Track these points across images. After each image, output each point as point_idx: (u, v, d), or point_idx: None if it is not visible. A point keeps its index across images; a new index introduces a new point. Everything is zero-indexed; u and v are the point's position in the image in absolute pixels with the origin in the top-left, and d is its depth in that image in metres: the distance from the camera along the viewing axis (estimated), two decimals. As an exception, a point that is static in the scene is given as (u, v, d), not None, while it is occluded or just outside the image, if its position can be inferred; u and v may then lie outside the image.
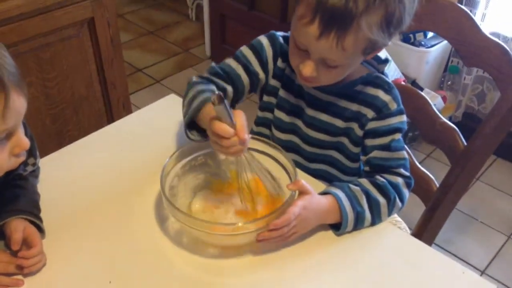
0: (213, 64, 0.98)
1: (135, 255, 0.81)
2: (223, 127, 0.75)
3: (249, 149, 0.89)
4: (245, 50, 0.97)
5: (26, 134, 0.72)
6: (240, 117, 0.77)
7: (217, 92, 0.74)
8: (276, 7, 2.30)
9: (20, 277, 0.76)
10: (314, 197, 0.81)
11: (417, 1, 0.81)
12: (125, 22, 2.99)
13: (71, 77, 1.60)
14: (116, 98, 1.78)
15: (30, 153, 0.85)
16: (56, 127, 1.61)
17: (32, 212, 0.80)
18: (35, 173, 0.89)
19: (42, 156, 0.96)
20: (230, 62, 0.97)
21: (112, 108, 1.78)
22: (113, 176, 0.94)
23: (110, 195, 0.90)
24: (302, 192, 0.80)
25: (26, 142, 0.69)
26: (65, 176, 0.94)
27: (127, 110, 1.82)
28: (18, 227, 0.77)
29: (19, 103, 0.66)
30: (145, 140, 1.02)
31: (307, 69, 0.83)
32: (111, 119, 1.76)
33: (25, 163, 0.85)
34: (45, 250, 0.78)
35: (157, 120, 1.07)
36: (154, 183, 0.86)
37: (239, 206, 0.85)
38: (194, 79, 0.94)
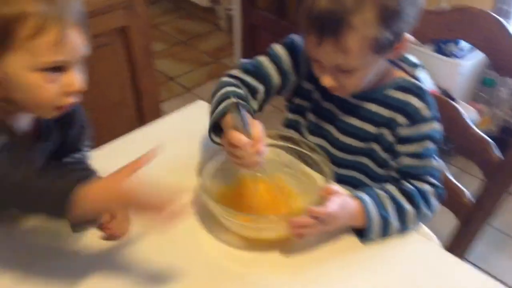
0: (243, 60, 0.97)
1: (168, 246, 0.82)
2: (237, 136, 0.75)
3: (287, 148, 0.91)
4: (278, 48, 0.96)
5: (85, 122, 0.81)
6: (258, 128, 0.77)
7: (234, 100, 0.74)
8: (307, 18, 2.30)
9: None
10: (346, 197, 0.80)
11: None
12: (158, 32, 3.05)
13: (105, 84, 1.64)
14: (148, 105, 1.81)
15: (88, 137, 0.91)
16: (88, 132, 1.65)
17: None
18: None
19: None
20: (262, 59, 0.96)
21: (144, 115, 1.82)
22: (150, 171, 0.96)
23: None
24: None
25: (79, 84, 0.73)
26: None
27: (158, 117, 1.85)
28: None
29: (76, 39, 0.70)
30: (173, 144, 1.02)
31: (325, 79, 0.85)
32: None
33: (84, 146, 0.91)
34: (79, 246, 0.81)
35: (185, 125, 1.09)
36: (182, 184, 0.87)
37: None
38: (225, 78, 0.95)
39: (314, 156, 0.89)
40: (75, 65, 0.72)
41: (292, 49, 0.96)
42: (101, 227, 0.81)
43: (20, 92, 0.71)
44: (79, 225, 0.82)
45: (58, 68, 0.70)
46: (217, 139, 0.86)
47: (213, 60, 2.83)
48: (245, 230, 0.80)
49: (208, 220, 0.85)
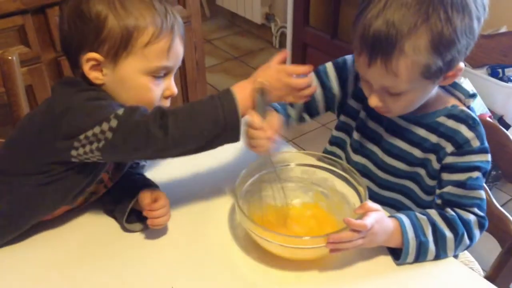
0: None
1: (200, 259, 0.84)
2: (253, 117, 0.78)
3: (320, 168, 0.92)
4: (328, 65, 1.01)
5: None
6: (273, 117, 0.81)
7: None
8: (359, 37, 2.31)
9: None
10: (383, 215, 0.80)
11: (477, 18, 0.78)
12: (212, 47, 3.14)
13: (158, 95, 1.70)
14: (197, 117, 1.87)
15: None
16: (140, 141, 1.71)
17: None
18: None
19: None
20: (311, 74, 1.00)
21: (193, 127, 1.87)
22: (187, 184, 0.99)
23: (184, 204, 0.94)
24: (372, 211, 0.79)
25: (175, 89, 0.84)
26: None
27: (206, 129, 1.90)
28: (146, 193, 0.86)
29: (179, 48, 0.82)
30: (215, 157, 1.04)
31: (372, 99, 0.86)
32: (190, 137, 1.84)
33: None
34: (113, 253, 0.84)
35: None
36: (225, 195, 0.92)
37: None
38: None
39: (349, 176, 0.89)
40: (173, 73, 0.83)
41: (342, 67, 0.99)
42: (144, 215, 0.85)
43: (128, 92, 0.80)
44: (133, 221, 0.86)
45: (162, 74, 0.81)
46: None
47: (264, 76, 2.88)
48: (278, 250, 0.80)
49: (241, 236, 0.87)
